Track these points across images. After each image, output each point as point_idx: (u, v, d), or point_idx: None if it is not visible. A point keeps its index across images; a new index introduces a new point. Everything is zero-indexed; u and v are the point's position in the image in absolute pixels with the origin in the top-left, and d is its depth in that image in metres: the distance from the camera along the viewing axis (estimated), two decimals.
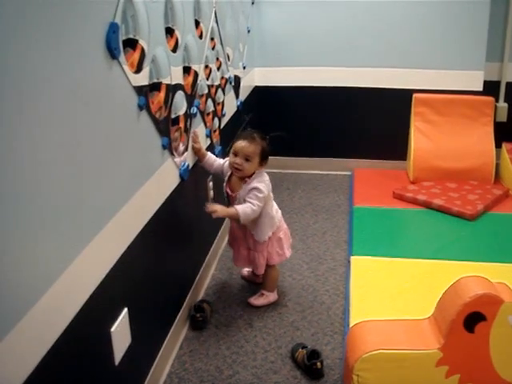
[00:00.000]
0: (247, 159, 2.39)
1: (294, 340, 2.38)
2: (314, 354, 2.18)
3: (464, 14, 3.92)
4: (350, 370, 1.84)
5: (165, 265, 2.24)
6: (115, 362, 1.72)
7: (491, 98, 3.91)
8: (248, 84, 4.01)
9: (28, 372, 1.22)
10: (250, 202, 2.37)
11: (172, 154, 2.21)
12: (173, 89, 2.20)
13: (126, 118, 1.75)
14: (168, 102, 2.15)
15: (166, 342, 2.21)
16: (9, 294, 1.14)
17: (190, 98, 2.46)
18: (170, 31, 2.22)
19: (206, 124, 2.75)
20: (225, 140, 3.11)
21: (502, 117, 4.22)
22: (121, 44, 1.66)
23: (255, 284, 2.79)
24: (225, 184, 2.53)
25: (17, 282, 1.17)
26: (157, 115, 2.01)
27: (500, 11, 4.05)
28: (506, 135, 3.99)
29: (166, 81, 2.12)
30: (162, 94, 2.10)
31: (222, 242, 3.22)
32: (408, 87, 4.06)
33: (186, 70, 2.44)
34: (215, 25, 2.90)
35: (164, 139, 2.08)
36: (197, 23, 2.59)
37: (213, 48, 2.89)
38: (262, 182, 2.41)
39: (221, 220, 3.06)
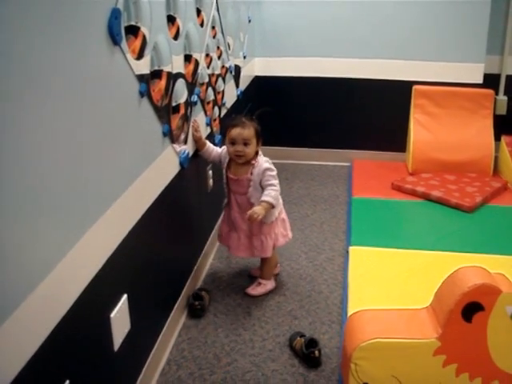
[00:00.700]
0: (246, 143, 2.42)
1: (292, 329, 2.39)
2: (312, 343, 2.19)
3: (465, 7, 3.92)
4: (347, 359, 1.85)
5: (164, 253, 2.25)
6: (114, 347, 1.73)
7: (491, 91, 3.92)
8: (248, 74, 4.00)
9: (28, 357, 1.23)
10: (270, 185, 2.43)
11: (172, 141, 2.21)
12: (174, 77, 2.20)
13: (128, 105, 1.75)
14: (169, 89, 2.15)
15: (164, 330, 2.22)
16: (8, 279, 1.14)
17: (191, 86, 2.45)
18: (171, 19, 2.22)
19: (206, 112, 2.76)
20: (225, 129, 3.10)
21: (502, 110, 4.22)
22: (123, 30, 1.66)
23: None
24: (224, 171, 2.55)
25: (17, 267, 1.17)
26: (158, 103, 2.01)
27: (501, 4, 4.04)
28: (506, 128, 3.99)
29: (167, 68, 2.12)
30: (162, 82, 2.09)
31: None
32: (408, 79, 4.07)
33: (187, 58, 2.44)
34: (216, 13, 2.90)
35: (165, 126, 2.08)
36: (198, 12, 2.59)
37: (214, 37, 2.89)
38: (267, 162, 2.48)
39: (219, 210, 3.06)
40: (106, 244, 1.64)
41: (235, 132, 2.42)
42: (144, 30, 1.87)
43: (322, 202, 3.75)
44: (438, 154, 3.87)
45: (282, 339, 2.33)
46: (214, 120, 2.97)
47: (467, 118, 3.93)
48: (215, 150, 2.62)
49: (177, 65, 2.23)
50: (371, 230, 3.14)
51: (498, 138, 3.92)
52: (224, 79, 3.14)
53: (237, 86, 3.56)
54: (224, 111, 3.19)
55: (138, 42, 1.84)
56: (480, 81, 4.04)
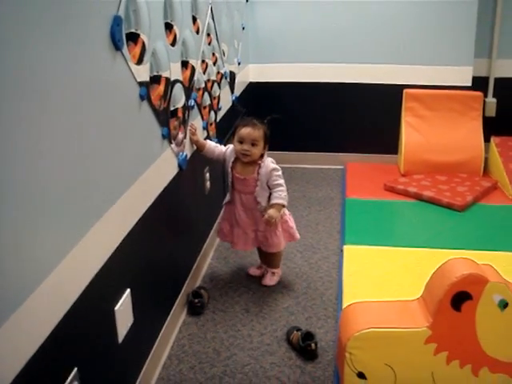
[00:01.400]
0: (254, 144, 2.52)
1: (289, 324, 2.46)
2: (309, 336, 2.27)
3: (453, 11, 4.02)
4: (342, 349, 1.92)
5: (164, 251, 2.32)
6: (119, 339, 1.80)
7: (480, 93, 4.01)
8: (243, 80, 4.09)
9: (38, 344, 1.29)
10: (277, 185, 2.57)
11: (171, 143, 2.29)
12: (172, 82, 2.28)
13: (129, 107, 1.82)
14: (167, 94, 2.23)
15: (165, 326, 2.29)
16: (15, 273, 1.20)
17: (188, 91, 2.54)
18: (168, 26, 2.31)
19: (202, 117, 2.84)
20: (221, 133, 3.20)
21: (491, 112, 4.32)
22: (124, 36, 1.74)
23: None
24: (229, 169, 2.63)
25: (23, 262, 1.22)
26: (157, 106, 2.09)
27: (488, 8, 4.15)
28: (495, 129, 4.07)
29: (165, 74, 2.20)
30: (161, 87, 2.18)
31: None
32: (399, 83, 4.15)
33: (184, 64, 2.53)
34: (211, 21, 2.99)
35: (164, 129, 2.16)
36: (194, 19, 2.68)
37: (209, 43, 2.98)
38: (273, 162, 2.61)
39: (217, 211, 3.14)
40: (109, 241, 1.70)
41: (245, 131, 2.52)
42: (143, 36, 1.95)
43: (317, 203, 3.83)
44: (430, 156, 3.95)
45: (280, 334, 2.41)
46: (211, 124, 3.05)
47: (457, 120, 4.01)
48: (218, 149, 2.70)
49: (174, 70, 2.32)
50: (365, 230, 3.22)
51: (487, 140, 3.99)
52: (219, 85, 3.22)
53: (232, 91, 3.64)
54: (220, 116, 3.27)
55: (137, 49, 1.92)
56: (469, 83, 4.13)
